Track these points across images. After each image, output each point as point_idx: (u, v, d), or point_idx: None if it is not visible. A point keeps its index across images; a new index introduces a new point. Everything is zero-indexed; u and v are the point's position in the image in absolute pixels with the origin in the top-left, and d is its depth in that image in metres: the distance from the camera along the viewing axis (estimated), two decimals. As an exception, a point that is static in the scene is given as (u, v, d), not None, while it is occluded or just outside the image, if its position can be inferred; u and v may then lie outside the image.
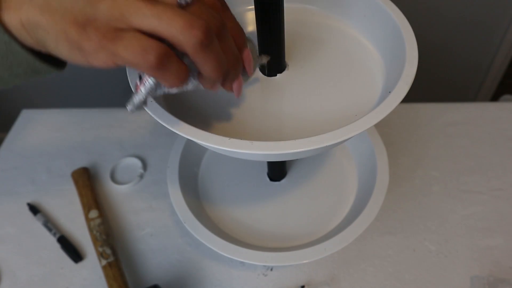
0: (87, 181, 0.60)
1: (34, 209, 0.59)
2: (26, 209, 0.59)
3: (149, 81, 0.28)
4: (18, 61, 0.28)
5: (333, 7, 0.45)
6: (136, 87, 0.29)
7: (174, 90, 0.29)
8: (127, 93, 0.36)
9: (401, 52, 0.36)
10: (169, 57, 0.25)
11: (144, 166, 0.63)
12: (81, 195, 0.59)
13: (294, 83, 0.39)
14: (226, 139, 0.30)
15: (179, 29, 0.24)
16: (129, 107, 0.29)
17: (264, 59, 0.37)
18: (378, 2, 0.39)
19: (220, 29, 0.27)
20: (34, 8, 0.26)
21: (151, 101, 0.33)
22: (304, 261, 0.44)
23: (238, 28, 0.31)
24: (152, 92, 0.28)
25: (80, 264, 0.54)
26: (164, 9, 0.24)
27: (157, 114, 0.32)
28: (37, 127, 0.70)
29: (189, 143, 0.56)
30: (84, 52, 0.26)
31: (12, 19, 0.26)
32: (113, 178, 0.62)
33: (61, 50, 0.26)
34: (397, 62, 0.36)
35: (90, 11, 0.25)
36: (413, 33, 0.36)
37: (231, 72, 0.30)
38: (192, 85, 0.30)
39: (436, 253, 0.52)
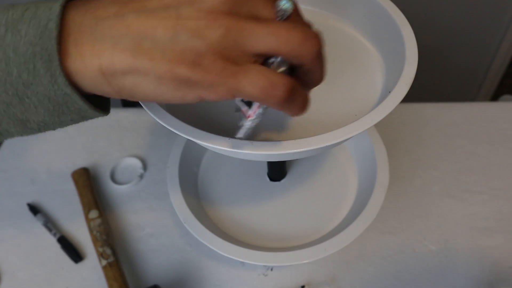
0: (87, 181, 0.60)
1: (34, 209, 0.59)
2: (26, 209, 0.59)
3: (260, 110, 0.27)
4: (70, 110, 0.26)
5: (333, 7, 0.45)
6: (244, 114, 0.27)
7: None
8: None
9: (401, 52, 0.36)
10: (296, 89, 0.25)
11: (144, 166, 0.63)
12: (81, 195, 0.59)
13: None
14: (225, 139, 0.30)
15: (297, 43, 0.24)
16: (241, 135, 0.28)
17: None
18: (378, 2, 0.39)
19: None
20: (121, 53, 0.23)
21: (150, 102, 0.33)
22: (304, 261, 0.44)
23: None
24: (263, 115, 0.28)
25: (80, 264, 0.54)
26: (276, 26, 0.24)
27: (157, 115, 0.32)
28: (37, 127, 0.70)
29: (189, 143, 0.56)
30: (197, 88, 0.24)
31: (87, 69, 0.24)
32: (113, 178, 0.62)
33: (164, 91, 0.24)
34: (397, 62, 0.36)
35: (199, 44, 0.23)
36: (413, 33, 0.36)
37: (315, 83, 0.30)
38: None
39: (436, 253, 0.52)
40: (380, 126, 0.57)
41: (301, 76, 0.27)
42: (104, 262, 0.51)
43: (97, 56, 0.23)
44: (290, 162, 0.58)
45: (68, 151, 0.66)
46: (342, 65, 0.41)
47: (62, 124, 0.28)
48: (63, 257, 0.54)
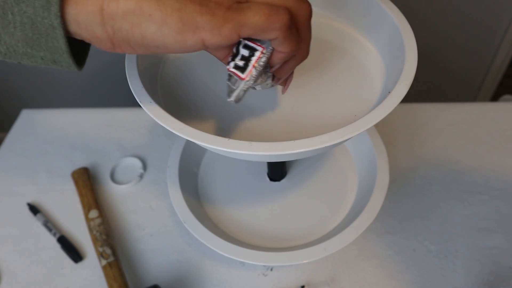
0: (87, 181, 0.60)
1: (34, 209, 0.59)
2: (26, 209, 0.59)
3: (260, 64, 0.28)
4: (47, 46, 0.25)
5: (332, 7, 0.45)
6: (239, 77, 0.29)
7: (257, 85, 0.31)
8: (127, 93, 0.36)
9: (400, 52, 0.36)
10: (292, 21, 0.27)
11: (144, 166, 0.63)
12: (81, 195, 0.59)
13: (293, 83, 0.39)
14: (225, 140, 0.30)
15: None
16: (234, 98, 0.29)
17: None
18: (378, 2, 0.39)
19: None
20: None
21: (150, 102, 0.33)
22: (304, 261, 0.44)
23: None
24: (256, 79, 0.29)
25: (80, 264, 0.54)
26: None
27: (156, 115, 0.32)
28: (37, 127, 0.70)
29: (189, 143, 0.56)
30: (201, 31, 0.25)
31: (89, 4, 0.24)
32: (113, 178, 0.62)
33: (165, 33, 0.25)
34: (397, 62, 0.36)
35: None
36: (412, 34, 0.36)
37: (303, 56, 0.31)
38: (270, 83, 0.32)
39: (436, 253, 0.52)
40: (380, 126, 0.57)
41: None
42: (104, 262, 0.51)
43: None
44: (290, 162, 0.58)
45: (68, 151, 0.66)
46: (342, 65, 0.41)
47: (31, 59, 0.26)
48: (63, 257, 0.54)
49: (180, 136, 0.50)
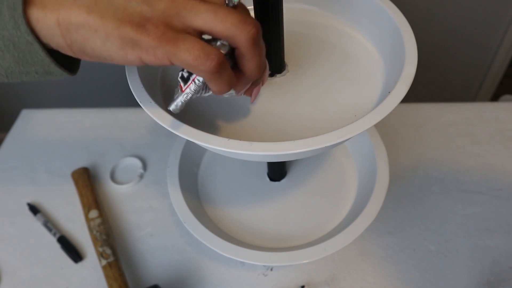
0: (87, 181, 0.60)
1: (34, 209, 0.59)
2: (26, 209, 0.59)
3: (199, 80, 0.29)
4: (34, 61, 0.28)
5: (332, 7, 0.45)
6: (181, 88, 0.30)
7: (207, 94, 0.31)
8: (127, 93, 0.36)
9: (400, 52, 0.36)
10: (225, 64, 0.27)
11: (144, 166, 0.63)
12: (81, 195, 0.59)
13: (293, 83, 0.39)
14: (225, 140, 0.30)
15: (234, 24, 0.26)
16: (172, 107, 0.30)
17: None
18: (377, 2, 0.39)
19: (260, 33, 0.29)
20: (78, 8, 0.26)
21: (150, 102, 0.33)
22: (304, 261, 0.44)
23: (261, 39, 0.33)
24: (196, 93, 0.30)
25: (80, 264, 0.54)
26: (218, 6, 0.27)
27: (156, 115, 0.32)
28: (37, 127, 0.70)
29: (189, 143, 0.56)
30: (138, 49, 0.27)
31: (47, 18, 0.26)
32: (113, 178, 0.62)
33: (109, 48, 0.27)
34: (397, 62, 0.36)
35: (146, 10, 0.26)
36: (412, 33, 0.36)
37: (262, 74, 0.32)
38: (232, 93, 0.32)
39: (436, 253, 0.52)
40: (380, 126, 0.57)
41: (239, 61, 0.29)
42: (104, 262, 0.51)
43: (57, 8, 0.26)
44: (290, 162, 0.58)
45: (68, 151, 0.66)
46: (342, 65, 0.41)
47: (28, 75, 0.29)
48: (63, 257, 0.54)
49: (180, 136, 0.50)
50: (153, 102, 0.33)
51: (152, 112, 0.32)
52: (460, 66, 1.17)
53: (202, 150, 0.59)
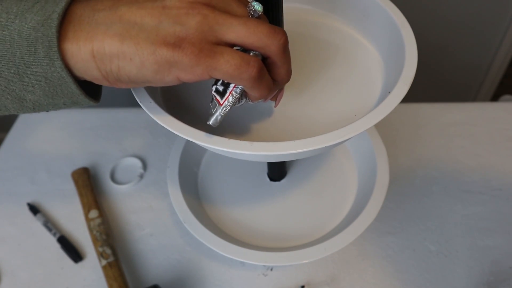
0: (87, 181, 0.60)
1: (34, 209, 0.59)
2: (26, 209, 0.59)
3: (237, 92, 0.29)
4: (64, 93, 0.29)
5: (332, 7, 0.45)
6: (218, 102, 0.30)
7: (240, 104, 0.32)
8: (127, 93, 0.36)
9: (400, 52, 0.36)
10: (264, 70, 0.28)
11: (144, 166, 0.63)
12: (81, 195, 0.59)
13: (293, 83, 0.39)
14: (225, 140, 0.30)
15: (265, 34, 0.27)
16: (212, 121, 0.30)
17: None
18: (377, 2, 0.39)
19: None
20: (111, 38, 0.26)
21: (150, 102, 0.33)
22: (304, 261, 0.45)
23: None
24: (234, 104, 0.30)
25: (80, 264, 0.54)
26: (247, 19, 0.27)
27: (156, 115, 0.32)
28: (37, 127, 0.70)
29: (189, 143, 0.56)
30: (175, 70, 0.27)
31: (81, 52, 0.26)
32: (113, 178, 0.62)
33: (145, 73, 0.27)
34: (397, 62, 0.36)
35: (179, 29, 0.26)
36: (412, 33, 0.36)
37: (285, 80, 0.33)
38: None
39: (436, 253, 0.52)
40: (380, 126, 0.57)
41: (270, 69, 0.30)
42: (104, 262, 0.51)
43: (90, 40, 0.26)
44: (290, 162, 0.58)
45: (68, 151, 0.66)
46: (342, 65, 0.41)
47: (55, 106, 0.30)
48: (63, 257, 0.54)
49: (180, 136, 0.50)
50: (153, 102, 0.33)
51: (152, 112, 0.32)
52: (460, 66, 1.17)
53: (202, 150, 0.59)
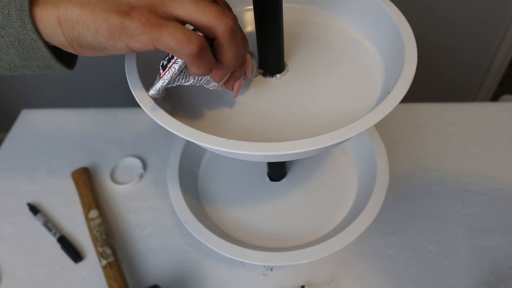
0: (87, 181, 0.60)
1: (34, 209, 0.59)
2: (26, 209, 0.59)
3: (175, 67, 0.31)
4: (36, 56, 0.30)
5: (332, 7, 0.45)
6: (159, 75, 0.31)
7: (188, 83, 0.33)
8: (127, 93, 0.36)
9: (400, 52, 0.36)
10: (206, 48, 0.29)
11: (144, 166, 0.63)
12: (81, 195, 0.59)
13: (293, 83, 0.39)
14: (224, 140, 0.30)
15: (214, 15, 0.28)
16: (151, 92, 0.32)
17: (258, 72, 0.40)
18: (377, 2, 0.39)
19: (238, 25, 0.31)
20: (73, 5, 0.28)
21: (150, 102, 0.33)
22: (304, 261, 0.45)
23: (243, 33, 0.34)
24: (173, 79, 0.31)
25: (80, 264, 0.54)
26: None
27: (156, 115, 0.32)
28: (37, 127, 0.70)
29: (189, 143, 0.56)
30: (125, 36, 0.29)
31: (49, 17, 0.28)
32: (113, 178, 0.62)
33: (100, 39, 0.29)
34: (397, 62, 0.36)
35: (132, 0, 0.28)
36: (412, 33, 0.36)
37: (237, 70, 0.34)
38: (204, 78, 0.33)
39: (436, 253, 0.52)
40: (380, 126, 0.57)
41: (217, 51, 0.31)
42: (104, 262, 0.51)
43: (57, 7, 0.28)
44: (290, 162, 0.58)
45: (68, 151, 0.66)
46: (342, 65, 0.41)
47: (30, 69, 0.32)
48: (63, 257, 0.54)
49: (180, 136, 0.50)
50: (153, 103, 0.33)
51: (152, 112, 0.32)
52: (460, 66, 1.17)
53: (202, 150, 0.59)
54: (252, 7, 0.35)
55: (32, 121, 0.71)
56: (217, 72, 0.33)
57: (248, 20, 0.46)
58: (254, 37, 0.38)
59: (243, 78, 0.36)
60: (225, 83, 0.35)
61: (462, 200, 0.57)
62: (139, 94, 0.34)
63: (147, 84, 0.36)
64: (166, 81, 0.31)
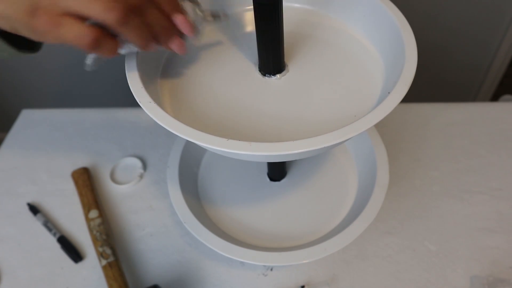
0: (87, 181, 0.60)
1: (34, 209, 0.59)
2: (26, 209, 0.59)
3: (90, 56, 0.35)
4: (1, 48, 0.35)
5: (332, 7, 0.45)
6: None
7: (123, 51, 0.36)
8: (127, 93, 0.36)
9: (400, 52, 0.36)
10: (101, 37, 0.31)
11: (144, 166, 0.63)
12: (81, 195, 0.59)
13: (293, 83, 0.39)
14: (224, 140, 0.30)
15: (101, 9, 0.30)
16: (86, 67, 0.35)
17: (220, 16, 0.39)
18: (377, 2, 0.39)
19: (141, 5, 0.32)
20: (1, 1, 0.31)
21: (150, 102, 0.33)
22: (304, 261, 0.44)
23: None
24: (100, 58, 0.35)
25: (80, 264, 0.54)
26: None
27: (156, 115, 0.32)
28: (37, 127, 0.70)
29: (189, 143, 0.56)
30: (38, 33, 0.31)
31: None
32: (113, 178, 0.62)
33: (23, 33, 0.32)
34: (397, 62, 0.36)
35: (37, 1, 0.30)
36: (412, 34, 0.36)
37: (162, 36, 0.35)
38: (128, 48, 0.36)
39: (436, 253, 0.52)
40: (380, 126, 0.57)
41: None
42: (104, 262, 0.51)
43: None
44: (290, 162, 0.58)
45: (68, 151, 0.66)
46: (342, 65, 0.41)
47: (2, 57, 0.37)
48: (63, 257, 0.54)
49: (180, 136, 0.50)
50: (153, 102, 0.33)
51: (152, 112, 0.32)
52: (460, 66, 1.17)
53: (202, 150, 0.59)
54: (252, 7, 0.35)
55: (32, 121, 0.71)
56: (135, 45, 0.34)
57: (248, 20, 0.46)
58: (254, 37, 0.38)
59: (183, 38, 0.37)
60: (164, 47, 0.36)
61: (462, 200, 0.57)
62: (139, 94, 0.34)
63: (147, 84, 0.36)
64: (92, 58, 0.35)
